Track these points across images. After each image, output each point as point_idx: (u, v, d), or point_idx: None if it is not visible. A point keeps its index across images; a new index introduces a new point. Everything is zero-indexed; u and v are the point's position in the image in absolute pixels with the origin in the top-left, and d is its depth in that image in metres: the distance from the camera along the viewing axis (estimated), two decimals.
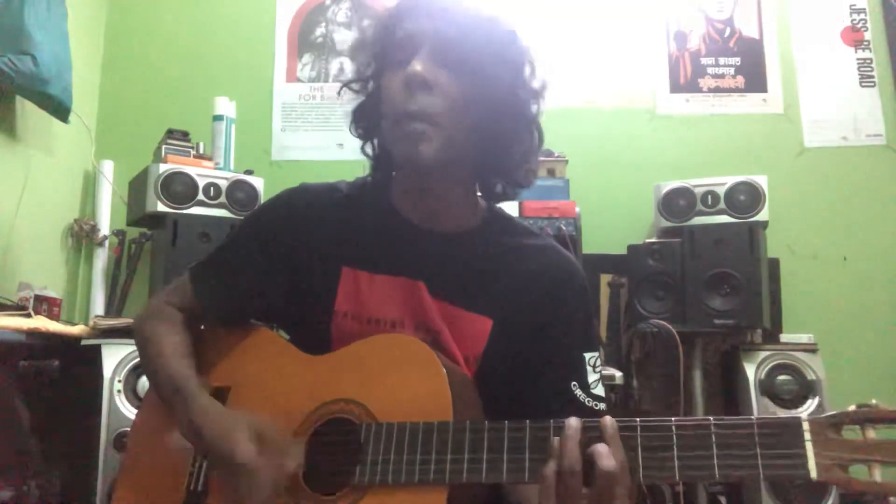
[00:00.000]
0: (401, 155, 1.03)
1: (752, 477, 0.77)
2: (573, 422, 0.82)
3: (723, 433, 0.78)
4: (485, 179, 1.10)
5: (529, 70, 1.05)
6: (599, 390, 1.04)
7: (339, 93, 1.13)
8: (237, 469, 0.90)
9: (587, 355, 1.05)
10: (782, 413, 2.36)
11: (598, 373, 1.05)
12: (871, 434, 0.74)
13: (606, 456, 0.78)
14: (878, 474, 0.73)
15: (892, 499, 0.73)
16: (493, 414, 0.95)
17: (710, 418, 0.79)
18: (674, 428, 0.80)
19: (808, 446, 0.75)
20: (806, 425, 0.76)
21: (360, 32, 1.11)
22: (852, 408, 0.76)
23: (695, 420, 0.80)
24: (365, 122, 1.12)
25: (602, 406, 1.03)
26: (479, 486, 0.88)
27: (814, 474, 0.74)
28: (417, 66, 0.97)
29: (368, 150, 1.14)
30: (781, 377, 2.45)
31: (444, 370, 0.93)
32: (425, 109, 0.98)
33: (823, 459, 0.74)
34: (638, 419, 0.82)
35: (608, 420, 0.81)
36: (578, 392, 1.02)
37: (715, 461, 0.77)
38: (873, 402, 0.76)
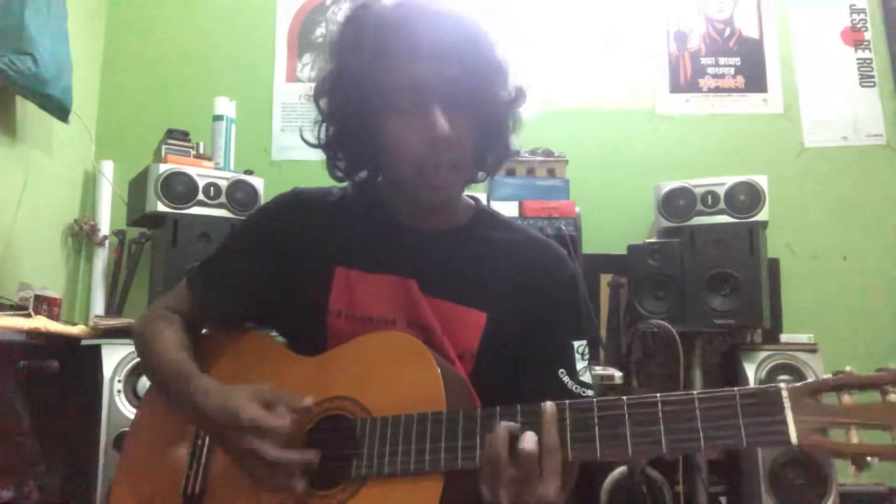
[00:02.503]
0: (427, 200, 1.05)
1: (736, 445, 0.78)
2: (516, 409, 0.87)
3: (706, 405, 0.80)
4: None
5: (512, 74, 1.06)
6: (587, 377, 1.06)
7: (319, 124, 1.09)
8: (246, 430, 0.90)
9: (576, 343, 1.07)
10: None
11: (586, 360, 1.07)
12: (847, 399, 0.77)
13: (526, 440, 0.82)
14: (854, 436, 0.75)
15: (869, 458, 0.74)
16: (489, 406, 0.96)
17: (694, 392, 0.82)
18: (660, 403, 0.82)
19: (788, 413, 0.77)
20: (785, 393, 0.78)
21: (338, 59, 1.03)
22: (829, 375, 0.79)
23: (680, 394, 0.82)
24: (352, 152, 1.09)
25: (590, 393, 1.05)
26: (476, 475, 0.89)
27: (794, 439, 0.76)
28: (445, 126, 0.96)
29: (339, 166, 1.11)
30: (781, 377, 2.44)
31: (436, 363, 0.94)
32: (452, 162, 1.00)
33: (803, 425, 0.76)
34: (625, 397, 0.84)
35: (548, 405, 0.84)
36: (566, 379, 1.04)
37: (700, 433, 0.79)
38: (847, 368, 0.78)
